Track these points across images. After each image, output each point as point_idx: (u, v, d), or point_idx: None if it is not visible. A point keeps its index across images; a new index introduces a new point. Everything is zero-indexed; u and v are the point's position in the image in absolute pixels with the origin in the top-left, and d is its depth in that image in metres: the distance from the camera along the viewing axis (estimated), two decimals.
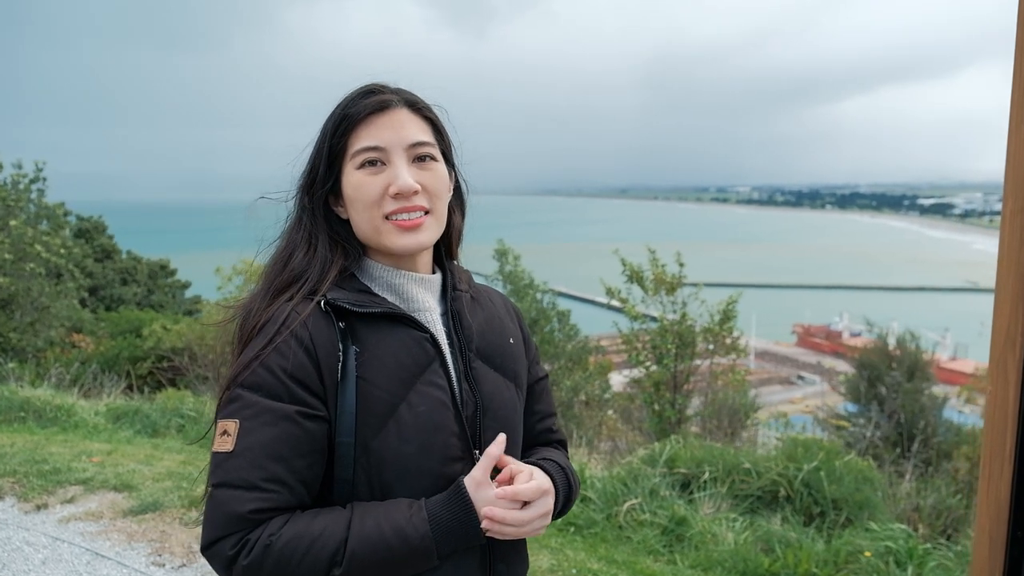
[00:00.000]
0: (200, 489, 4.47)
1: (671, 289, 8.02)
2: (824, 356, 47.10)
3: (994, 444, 1.40)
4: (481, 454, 1.17)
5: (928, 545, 4.38)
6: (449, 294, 1.26)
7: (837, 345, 47.62)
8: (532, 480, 1.13)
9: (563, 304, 13.88)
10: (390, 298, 1.19)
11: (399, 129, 1.15)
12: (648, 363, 7.99)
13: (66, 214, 13.79)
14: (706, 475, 5.34)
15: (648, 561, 4.23)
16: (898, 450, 8.56)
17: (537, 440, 1.38)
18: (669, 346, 7.77)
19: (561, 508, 1.25)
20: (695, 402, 8.44)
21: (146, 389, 8.95)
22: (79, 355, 10.07)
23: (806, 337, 53.16)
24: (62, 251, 11.88)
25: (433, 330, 1.19)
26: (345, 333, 1.11)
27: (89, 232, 20.13)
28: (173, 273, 22.60)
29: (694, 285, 8.23)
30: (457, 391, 1.18)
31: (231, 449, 1.04)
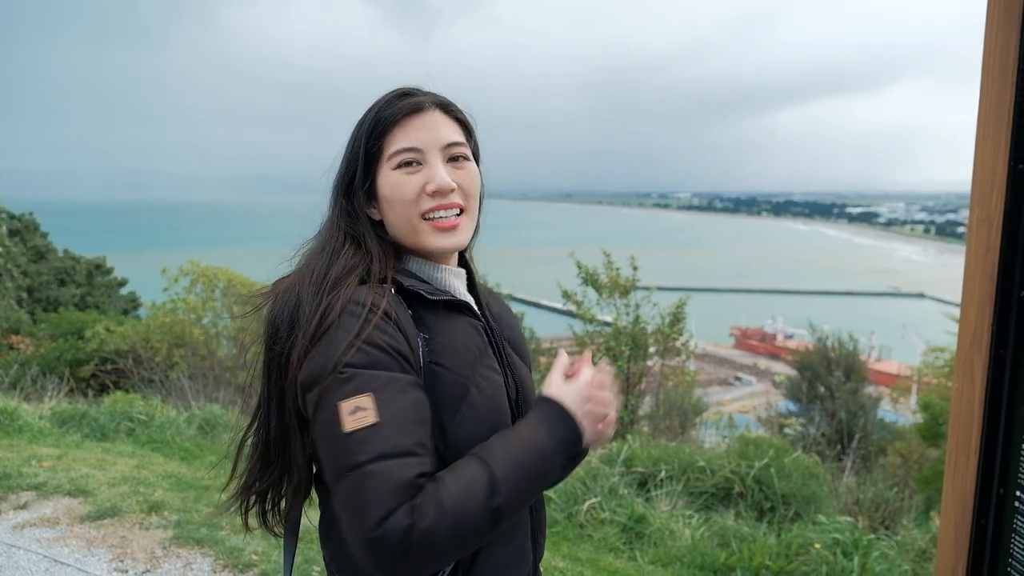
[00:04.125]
0: (158, 494, 4.38)
1: (624, 292, 8.19)
2: (760, 358, 48.53)
3: (960, 438, 1.48)
4: None
5: (872, 536, 4.62)
6: (477, 287, 1.31)
7: (772, 347, 49.19)
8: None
9: (513, 308, 13.93)
10: None
11: (434, 130, 1.17)
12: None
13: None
14: (662, 474, 5.49)
15: (610, 558, 4.34)
16: (838, 447, 8.97)
17: None
18: (623, 348, 7.94)
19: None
20: (646, 402, 8.64)
21: (90, 392, 8.63)
22: (18, 357, 9.63)
23: (743, 339, 54.67)
24: (0, 250, 11.33)
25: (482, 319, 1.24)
26: (416, 320, 1.13)
27: (20, 232, 19.18)
28: (109, 271, 21.66)
29: (646, 289, 8.43)
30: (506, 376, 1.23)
31: (376, 420, 1.00)
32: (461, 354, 1.14)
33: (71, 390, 8.30)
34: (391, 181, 1.17)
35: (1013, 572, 1.26)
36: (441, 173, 1.16)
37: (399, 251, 1.22)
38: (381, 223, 1.22)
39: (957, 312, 1.51)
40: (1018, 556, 1.25)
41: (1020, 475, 1.25)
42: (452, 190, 1.17)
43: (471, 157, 1.23)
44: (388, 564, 0.96)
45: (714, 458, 5.81)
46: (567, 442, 1.09)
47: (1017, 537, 1.25)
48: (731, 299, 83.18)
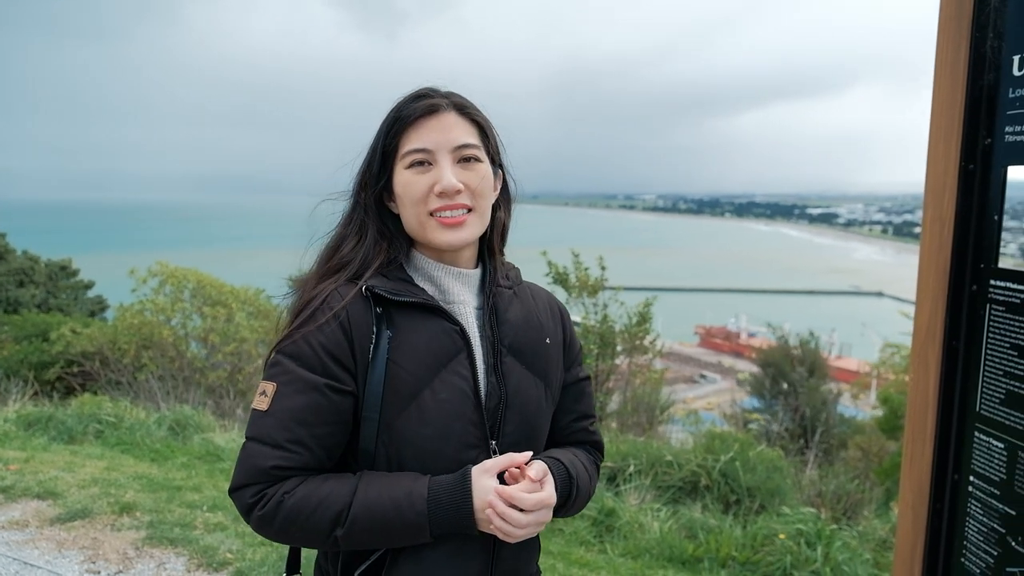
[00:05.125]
0: (129, 495, 4.36)
1: (593, 292, 8.30)
2: (724, 355, 49.14)
3: (916, 427, 1.51)
4: (498, 444, 1.23)
5: (835, 527, 4.77)
6: (488, 289, 1.30)
7: (736, 345, 49.91)
8: (540, 491, 1.16)
9: None
10: (429, 289, 1.25)
11: (447, 132, 1.21)
12: None
13: None
14: (631, 468, 5.60)
15: (581, 551, 4.41)
16: (801, 441, 9.20)
17: (571, 439, 1.42)
18: (591, 346, 8.04)
19: (558, 507, 1.26)
20: (614, 399, 8.76)
21: (55, 395, 8.46)
22: None
23: (707, 338, 55.34)
24: None
25: (464, 323, 1.24)
26: (381, 317, 1.19)
27: None
28: (75, 273, 21.10)
29: (614, 288, 8.55)
30: (482, 383, 1.23)
31: (266, 409, 1.15)
32: (421, 356, 1.18)
33: (36, 393, 8.13)
34: (403, 179, 1.22)
35: (968, 554, 1.30)
36: (448, 175, 1.19)
37: (412, 244, 1.28)
38: (399, 216, 1.28)
39: (912, 309, 1.55)
40: (972, 539, 1.29)
41: (973, 461, 1.30)
42: (458, 191, 1.20)
43: (483, 159, 1.26)
44: (241, 515, 1.18)
45: (681, 453, 5.92)
46: (447, 524, 1.14)
47: (971, 520, 1.30)
48: (695, 298, 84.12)
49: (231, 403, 8.17)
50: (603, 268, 8.46)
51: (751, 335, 49.79)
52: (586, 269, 8.40)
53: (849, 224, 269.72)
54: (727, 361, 45.41)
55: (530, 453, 1.20)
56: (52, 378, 9.30)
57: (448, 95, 1.26)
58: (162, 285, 9.47)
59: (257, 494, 1.13)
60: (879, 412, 11.56)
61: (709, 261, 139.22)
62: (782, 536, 4.47)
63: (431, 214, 1.21)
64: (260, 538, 3.84)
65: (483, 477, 1.15)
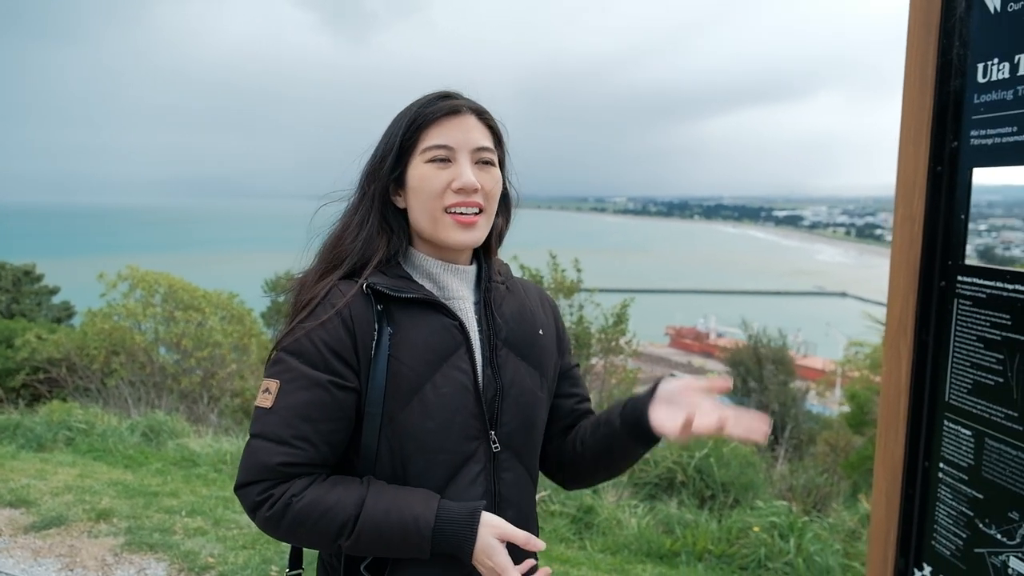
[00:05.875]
0: (104, 502, 4.31)
1: (568, 293, 8.36)
2: (694, 356, 49.66)
3: (888, 414, 1.56)
4: (497, 435, 1.26)
5: (806, 519, 4.88)
6: (484, 285, 1.33)
7: (705, 345, 50.50)
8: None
9: None
10: (427, 285, 1.27)
11: (467, 132, 1.25)
12: None
13: None
14: None
15: (561, 548, 4.47)
16: (771, 437, 9.37)
17: (580, 419, 1.47)
18: None
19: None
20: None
21: (20, 402, 8.27)
22: None
23: (678, 338, 55.91)
24: None
25: (463, 318, 1.27)
26: (382, 314, 1.21)
27: None
28: (39, 279, 20.61)
29: (589, 290, 8.62)
30: (480, 376, 1.26)
31: (270, 406, 1.16)
32: (421, 351, 1.21)
33: (0, 401, 7.97)
34: (421, 173, 1.24)
35: (939, 537, 1.35)
36: (468, 172, 1.23)
37: (411, 240, 1.30)
38: (405, 211, 1.30)
39: (874, 309, 1.60)
40: (943, 522, 1.34)
41: (943, 449, 1.34)
42: (476, 190, 1.24)
43: (496, 163, 1.30)
44: (246, 512, 1.19)
45: (657, 450, 6.00)
46: (446, 551, 1.16)
47: (941, 505, 1.34)
48: (666, 299, 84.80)
49: (204, 408, 8.08)
50: (579, 270, 8.53)
51: (720, 335, 50.41)
52: (562, 271, 8.46)
53: (814, 226, 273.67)
54: (697, 361, 45.86)
55: (543, 544, 1.21)
56: (17, 385, 9.09)
57: (466, 99, 1.29)
58: (132, 289, 9.28)
59: (264, 492, 1.14)
60: (845, 408, 11.80)
61: (679, 263, 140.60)
62: (756, 529, 4.57)
63: (446, 210, 1.24)
64: (242, 541, 3.82)
65: (491, 536, 1.16)
